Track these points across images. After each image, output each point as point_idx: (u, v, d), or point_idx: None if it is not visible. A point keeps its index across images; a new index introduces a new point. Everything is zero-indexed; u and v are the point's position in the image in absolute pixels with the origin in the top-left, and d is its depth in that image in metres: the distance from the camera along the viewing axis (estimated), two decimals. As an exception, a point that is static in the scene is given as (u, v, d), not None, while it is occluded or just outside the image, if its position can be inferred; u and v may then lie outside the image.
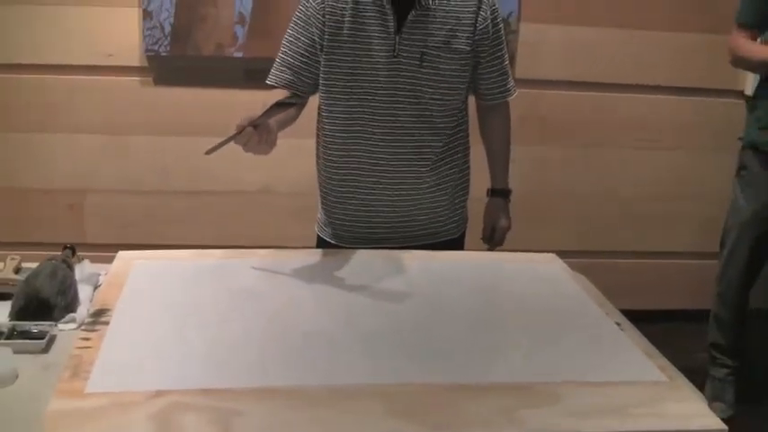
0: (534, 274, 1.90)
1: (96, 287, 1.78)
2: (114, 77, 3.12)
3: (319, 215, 2.19)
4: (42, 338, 1.51)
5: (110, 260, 1.83)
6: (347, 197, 2.07)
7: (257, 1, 3.06)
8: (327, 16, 1.91)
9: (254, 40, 3.09)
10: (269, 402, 1.26)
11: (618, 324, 1.63)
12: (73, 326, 1.59)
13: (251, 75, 3.12)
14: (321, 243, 2.16)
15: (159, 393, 1.26)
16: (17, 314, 1.60)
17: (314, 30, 1.93)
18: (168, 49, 3.07)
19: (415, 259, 1.91)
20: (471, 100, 2.13)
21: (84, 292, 1.73)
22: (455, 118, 2.06)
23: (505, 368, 1.44)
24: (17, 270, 1.80)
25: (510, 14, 3.16)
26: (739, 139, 2.84)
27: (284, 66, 1.98)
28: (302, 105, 2.02)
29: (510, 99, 2.15)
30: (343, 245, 2.09)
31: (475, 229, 2.24)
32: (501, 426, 1.24)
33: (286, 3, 2.90)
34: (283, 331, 1.52)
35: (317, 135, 2.10)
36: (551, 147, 3.42)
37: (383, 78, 1.94)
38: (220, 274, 1.78)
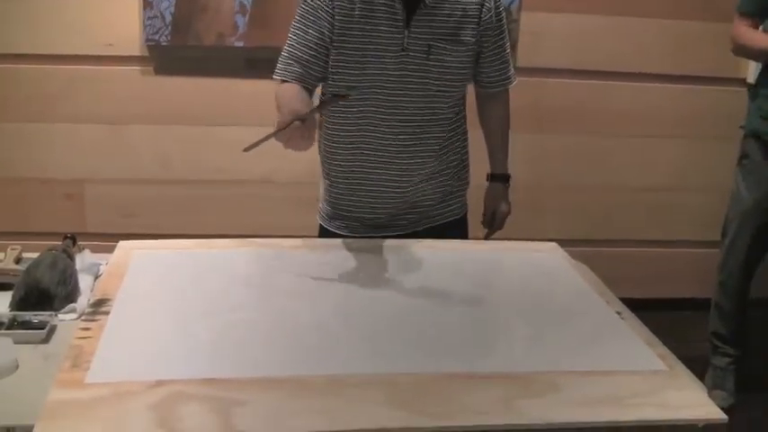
0: (535, 263, 1.90)
1: (97, 277, 1.79)
2: (115, 67, 3.12)
3: (322, 205, 2.18)
4: (43, 328, 1.52)
5: (110, 250, 1.83)
6: (354, 188, 2.07)
7: (258, -10, 3.06)
8: (337, 9, 1.90)
9: (254, 29, 3.08)
10: (269, 392, 1.26)
11: (618, 313, 1.63)
12: (73, 316, 1.60)
13: (252, 64, 3.13)
14: (323, 232, 2.16)
15: (159, 383, 1.26)
16: (18, 304, 1.60)
17: (323, 23, 1.91)
18: (169, 38, 3.07)
19: (416, 249, 1.91)
20: (469, 87, 2.13)
21: (84, 281, 1.73)
22: (457, 107, 2.07)
23: (505, 357, 1.45)
24: (18, 260, 1.81)
25: (511, 3, 3.16)
26: (741, 127, 2.84)
27: (292, 59, 1.94)
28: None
29: (510, 87, 2.15)
30: (347, 234, 2.09)
31: (474, 214, 2.24)
32: (501, 415, 1.24)
33: (287, -8, 2.89)
34: (284, 320, 1.52)
35: (321, 126, 2.10)
36: (552, 135, 3.41)
37: (391, 71, 1.93)
38: (221, 263, 1.78)
